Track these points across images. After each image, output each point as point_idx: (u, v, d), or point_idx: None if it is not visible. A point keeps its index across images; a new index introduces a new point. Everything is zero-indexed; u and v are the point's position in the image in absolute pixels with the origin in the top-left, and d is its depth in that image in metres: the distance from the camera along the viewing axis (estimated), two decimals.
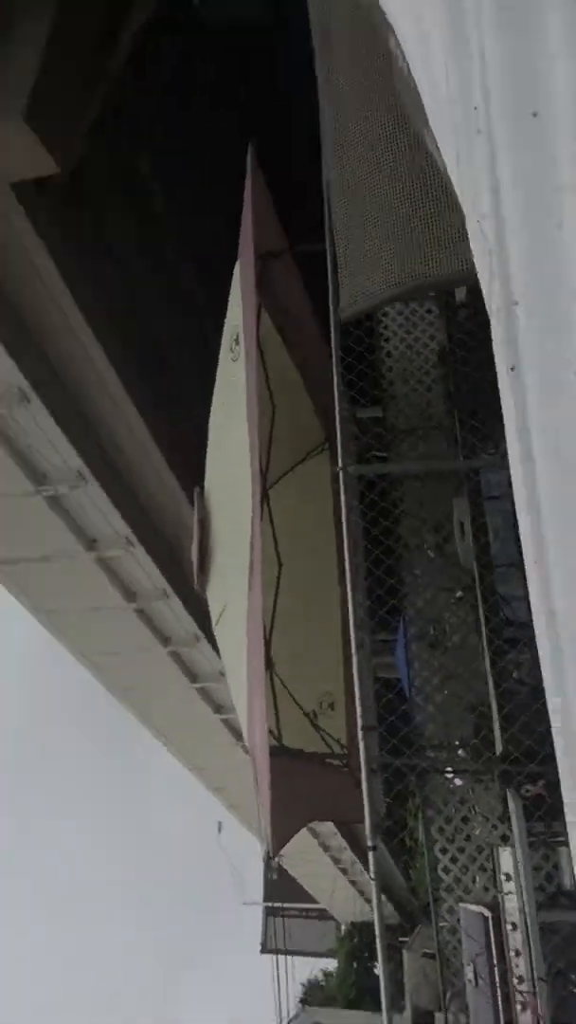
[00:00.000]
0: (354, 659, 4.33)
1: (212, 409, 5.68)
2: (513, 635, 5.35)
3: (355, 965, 32.62)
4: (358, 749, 4.74)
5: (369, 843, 5.14)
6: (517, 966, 4.84)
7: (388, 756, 5.01)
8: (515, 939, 4.93)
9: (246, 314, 4.53)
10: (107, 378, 7.22)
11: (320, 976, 35.79)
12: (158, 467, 8.35)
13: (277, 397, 5.71)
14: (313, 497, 6.11)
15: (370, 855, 5.15)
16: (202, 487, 5.63)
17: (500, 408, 1.87)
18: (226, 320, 5.26)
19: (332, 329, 4.68)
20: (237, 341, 4.70)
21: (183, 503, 8.57)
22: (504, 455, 2.18)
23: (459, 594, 5.84)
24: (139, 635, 11.09)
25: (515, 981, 4.80)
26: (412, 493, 6.04)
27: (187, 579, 6.03)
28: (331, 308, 4.60)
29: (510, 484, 1.87)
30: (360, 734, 4.57)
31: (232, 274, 5.26)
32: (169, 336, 8.78)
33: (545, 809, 4.78)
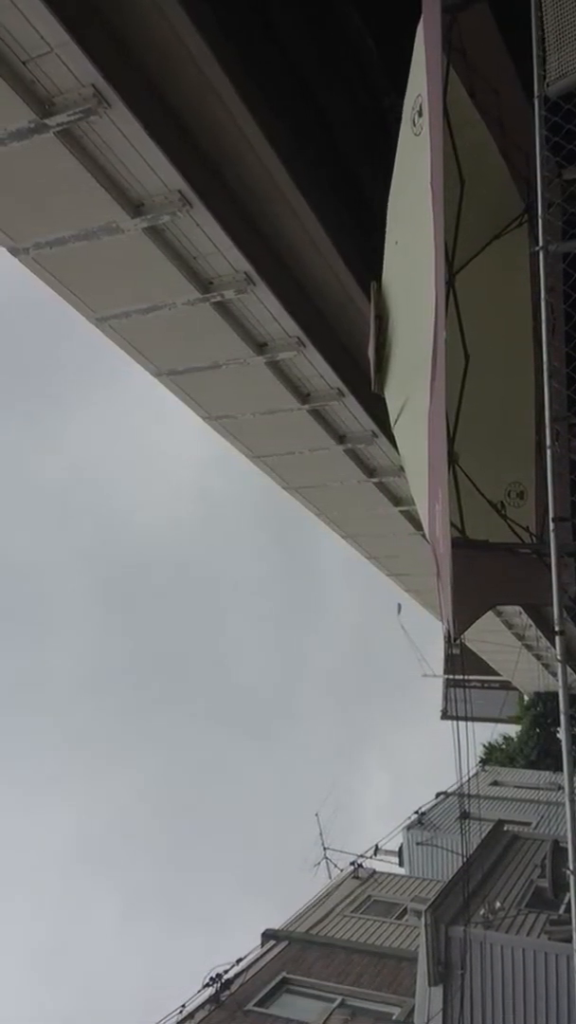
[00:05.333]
0: (547, 452, 4.22)
1: (391, 194, 5.24)
2: None
3: (537, 730, 34.64)
4: (549, 538, 4.75)
5: (556, 627, 5.27)
6: None
7: None
8: None
9: (430, 77, 4.01)
10: (271, 168, 6.84)
11: (500, 740, 38.35)
12: (331, 262, 8.00)
13: (467, 170, 5.12)
14: (508, 279, 5.66)
15: (557, 639, 5.30)
16: (379, 281, 5.36)
17: None
18: (407, 90, 4.70)
19: (536, 107, 4.15)
20: (420, 112, 4.21)
21: (359, 299, 8.31)
22: None
23: None
24: (314, 435, 11.28)
25: None
26: None
27: (363, 378, 5.95)
28: (535, 79, 4.07)
29: None
30: (551, 525, 4.56)
31: (414, 34, 4.63)
32: (339, 114, 8.09)
33: None
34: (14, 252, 7.77)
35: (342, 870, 18.10)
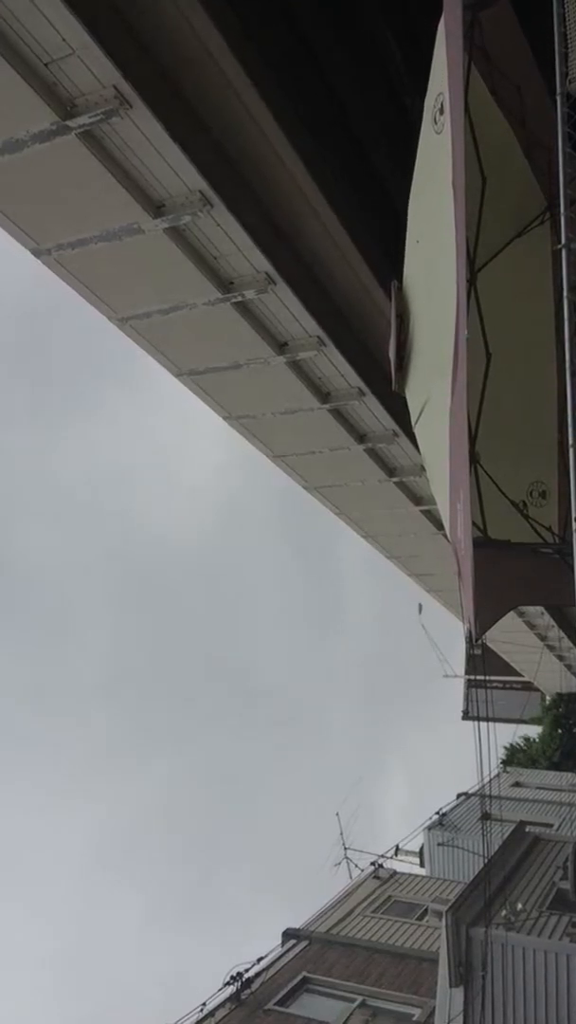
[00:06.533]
0: (570, 451, 4.19)
1: (412, 193, 5.22)
2: None
3: (559, 731, 34.42)
4: (572, 538, 4.71)
5: None
6: None
7: None
8: None
9: (451, 75, 3.99)
10: (292, 168, 6.85)
11: (522, 741, 38.10)
12: (352, 261, 7.99)
13: (488, 167, 5.10)
14: (530, 277, 5.63)
15: None
16: (400, 280, 5.35)
17: None
18: (428, 88, 4.68)
19: (558, 104, 4.12)
20: (442, 110, 4.20)
21: (380, 298, 8.29)
22: None
23: None
24: (335, 434, 11.27)
25: None
26: None
27: (384, 377, 5.94)
28: (557, 76, 4.04)
29: None
30: (574, 525, 4.52)
31: (435, 32, 4.60)
32: (359, 112, 8.08)
33: None
34: (37, 253, 7.83)
35: (363, 870, 18.06)
